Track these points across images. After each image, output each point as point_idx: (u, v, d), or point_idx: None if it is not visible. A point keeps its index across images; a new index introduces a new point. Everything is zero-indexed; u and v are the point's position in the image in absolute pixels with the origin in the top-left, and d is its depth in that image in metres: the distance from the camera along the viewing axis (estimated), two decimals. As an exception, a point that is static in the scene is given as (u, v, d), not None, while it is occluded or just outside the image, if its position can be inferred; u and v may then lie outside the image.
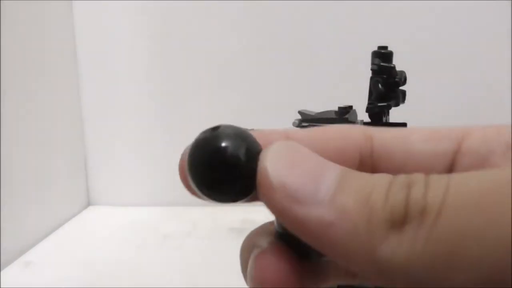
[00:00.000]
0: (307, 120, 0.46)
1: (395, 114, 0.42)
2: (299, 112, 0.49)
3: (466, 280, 0.09)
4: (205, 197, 0.12)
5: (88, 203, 0.77)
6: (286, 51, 0.71)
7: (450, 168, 0.13)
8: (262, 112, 0.72)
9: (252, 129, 0.13)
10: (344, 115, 0.46)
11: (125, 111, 0.74)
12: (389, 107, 0.45)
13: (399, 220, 0.10)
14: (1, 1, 0.54)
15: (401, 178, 0.10)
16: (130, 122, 0.75)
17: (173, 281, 0.51)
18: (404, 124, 0.39)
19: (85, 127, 0.75)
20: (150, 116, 0.74)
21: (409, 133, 0.14)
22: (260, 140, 0.12)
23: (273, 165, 0.11)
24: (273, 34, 0.70)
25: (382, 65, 0.43)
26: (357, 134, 0.14)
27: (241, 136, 0.12)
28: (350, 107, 0.46)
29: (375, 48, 0.43)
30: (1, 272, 0.54)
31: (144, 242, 0.61)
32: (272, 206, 0.11)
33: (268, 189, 0.11)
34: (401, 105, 0.46)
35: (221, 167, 0.11)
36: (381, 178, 0.10)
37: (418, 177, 0.10)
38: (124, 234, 0.64)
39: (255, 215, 0.70)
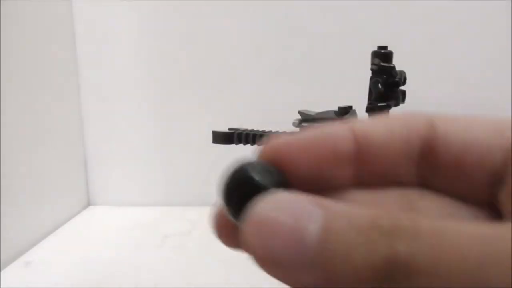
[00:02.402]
0: (307, 120, 0.46)
1: (395, 114, 0.42)
2: (299, 112, 0.49)
3: None
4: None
5: (88, 203, 0.77)
6: (286, 52, 0.71)
7: (506, 163, 0.13)
8: (262, 112, 0.72)
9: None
10: (344, 115, 0.46)
11: (125, 111, 0.74)
12: (389, 107, 0.45)
13: (382, 278, 0.09)
14: (1, 1, 0.54)
15: (385, 224, 0.10)
16: (130, 122, 0.75)
17: (173, 281, 0.51)
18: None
19: (85, 127, 0.75)
20: (150, 117, 0.74)
21: (472, 122, 0.14)
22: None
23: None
24: (273, 34, 0.70)
25: (382, 65, 0.43)
26: (421, 123, 0.14)
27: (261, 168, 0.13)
28: (350, 107, 0.46)
29: (375, 48, 0.43)
30: (1, 272, 0.54)
31: (144, 242, 0.61)
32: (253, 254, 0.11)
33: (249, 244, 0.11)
34: (401, 105, 0.46)
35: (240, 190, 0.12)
36: (362, 224, 0.10)
37: (405, 224, 0.10)
38: (124, 234, 0.64)
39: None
